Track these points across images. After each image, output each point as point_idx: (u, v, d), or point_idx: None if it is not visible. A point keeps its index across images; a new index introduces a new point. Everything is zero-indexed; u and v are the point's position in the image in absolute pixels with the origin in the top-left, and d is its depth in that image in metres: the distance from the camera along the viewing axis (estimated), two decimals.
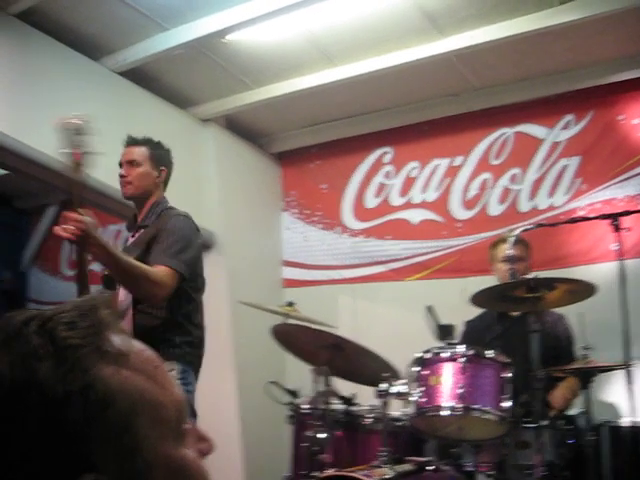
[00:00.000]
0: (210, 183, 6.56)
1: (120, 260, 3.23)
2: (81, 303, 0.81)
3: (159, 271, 3.39)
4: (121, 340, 0.80)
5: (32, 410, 0.72)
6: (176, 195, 6.16)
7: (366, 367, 3.89)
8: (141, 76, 5.97)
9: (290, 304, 4.43)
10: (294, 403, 4.18)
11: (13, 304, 7.68)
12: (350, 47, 5.55)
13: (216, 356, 6.25)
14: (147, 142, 3.87)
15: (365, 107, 6.52)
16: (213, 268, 6.42)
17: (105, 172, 5.50)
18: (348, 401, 4.03)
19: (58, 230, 3.06)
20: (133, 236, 3.82)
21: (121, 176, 3.79)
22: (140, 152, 3.81)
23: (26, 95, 5.19)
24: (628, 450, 3.68)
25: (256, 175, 7.10)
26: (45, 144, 4.68)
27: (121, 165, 3.82)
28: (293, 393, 4.26)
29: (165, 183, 3.91)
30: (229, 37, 5.37)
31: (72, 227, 3.02)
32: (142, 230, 3.74)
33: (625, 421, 3.78)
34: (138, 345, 0.83)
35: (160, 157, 3.87)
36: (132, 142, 3.86)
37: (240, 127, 6.89)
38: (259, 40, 5.44)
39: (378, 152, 6.80)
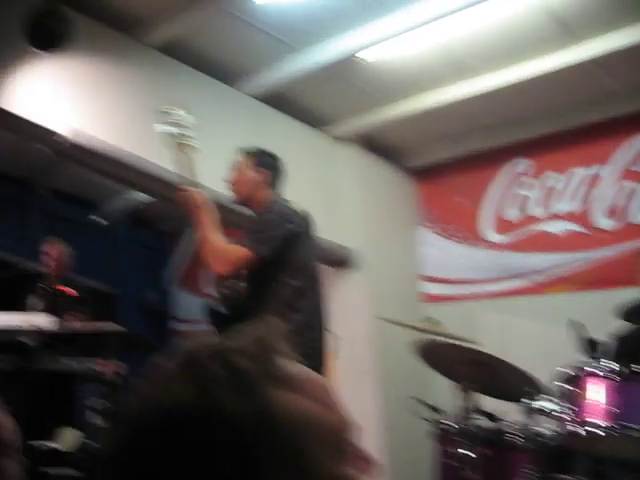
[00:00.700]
0: (347, 201, 6.64)
1: (207, 235, 3.60)
2: (254, 332, 0.85)
3: (232, 248, 3.65)
4: (290, 365, 0.84)
5: (217, 437, 0.76)
6: (313, 213, 6.31)
7: (510, 383, 3.81)
8: (276, 98, 6.13)
9: (430, 319, 4.41)
10: (437, 419, 4.16)
11: (158, 323, 8.01)
12: (484, 58, 5.51)
13: (358, 371, 6.33)
14: (250, 150, 4.03)
15: (501, 118, 6.43)
16: (353, 285, 6.51)
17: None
18: (492, 417, 3.97)
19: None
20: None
21: (226, 181, 3.96)
22: (241, 160, 3.98)
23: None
24: None
25: (392, 191, 7.12)
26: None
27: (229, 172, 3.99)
28: (436, 409, 4.24)
29: (270, 184, 3.98)
30: (361, 55, 5.44)
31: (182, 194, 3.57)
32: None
33: None
34: (305, 369, 0.87)
35: (260, 160, 3.99)
36: (238, 153, 4.03)
37: (375, 144, 6.94)
38: (391, 56, 5.49)
39: (515, 163, 6.69)
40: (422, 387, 5.79)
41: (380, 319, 4.82)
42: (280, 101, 6.18)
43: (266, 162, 4.00)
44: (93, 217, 3.89)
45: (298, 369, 0.85)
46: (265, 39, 5.38)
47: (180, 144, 3.61)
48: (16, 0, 4.67)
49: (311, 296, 3.89)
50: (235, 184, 3.92)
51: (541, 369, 3.62)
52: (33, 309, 5.61)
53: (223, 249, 3.65)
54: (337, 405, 0.87)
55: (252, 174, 3.91)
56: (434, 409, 4.22)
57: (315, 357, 3.73)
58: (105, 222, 3.88)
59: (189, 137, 3.61)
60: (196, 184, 3.70)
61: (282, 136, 6.23)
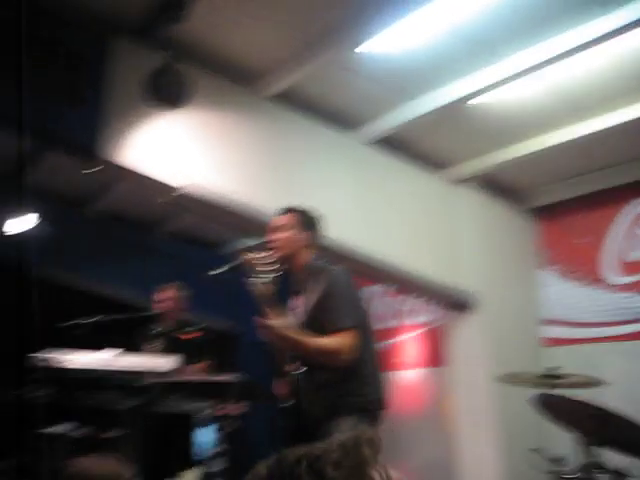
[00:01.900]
0: (467, 243, 6.60)
1: (299, 344, 3.62)
2: (346, 442, 0.87)
3: (335, 340, 3.58)
4: (381, 474, 0.86)
5: None
6: (432, 256, 6.31)
7: (633, 437, 3.68)
8: (392, 144, 6.19)
9: (551, 371, 4.30)
10: (558, 473, 4.03)
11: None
12: (601, 97, 5.41)
13: (478, 419, 6.22)
14: (294, 210, 4.01)
15: (621, 157, 6.26)
16: (472, 328, 6.43)
17: (365, 240, 5.79)
18: (616, 474, 3.81)
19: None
20: (296, 297, 3.94)
21: (269, 241, 3.95)
22: (287, 218, 3.96)
23: (281, 172, 5.58)
24: None
25: (512, 232, 7.02)
26: None
27: (271, 230, 3.98)
28: (557, 461, 4.11)
29: (313, 246, 3.99)
30: (475, 100, 5.42)
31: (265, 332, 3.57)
32: (302, 296, 3.85)
33: None
34: (397, 476, 0.88)
35: (306, 222, 3.98)
36: (281, 211, 4.01)
37: (494, 185, 6.89)
38: (506, 99, 5.45)
39: (635, 203, 6.47)
40: (543, 438, 5.62)
41: (499, 378, 4.69)
42: (396, 147, 6.23)
43: (311, 223, 4.01)
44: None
45: (380, 474, 0.86)
46: (376, 87, 5.45)
47: (266, 284, 3.68)
48: (137, 60, 4.89)
49: (373, 352, 3.90)
50: (281, 243, 3.92)
51: None
52: (152, 352, 5.78)
53: (328, 348, 3.61)
54: None
55: (298, 234, 3.93)
56: (555, 461, 4.10)
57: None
58: (226, 273, 3.97)
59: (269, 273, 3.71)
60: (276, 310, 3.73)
61: (400, 181, 6.28)
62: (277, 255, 3.91)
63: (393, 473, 0.88)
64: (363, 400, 3.67)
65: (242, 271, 3.92)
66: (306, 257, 3.91)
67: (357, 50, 4.97)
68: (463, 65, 5.12)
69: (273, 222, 4.01)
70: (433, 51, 4.98)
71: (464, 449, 6.32)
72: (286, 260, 3.91)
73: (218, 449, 5.06)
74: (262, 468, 0.88)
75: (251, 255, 3.69)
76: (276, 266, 3.74)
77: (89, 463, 1.99)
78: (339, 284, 3.78)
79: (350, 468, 0.84)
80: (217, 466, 5.00)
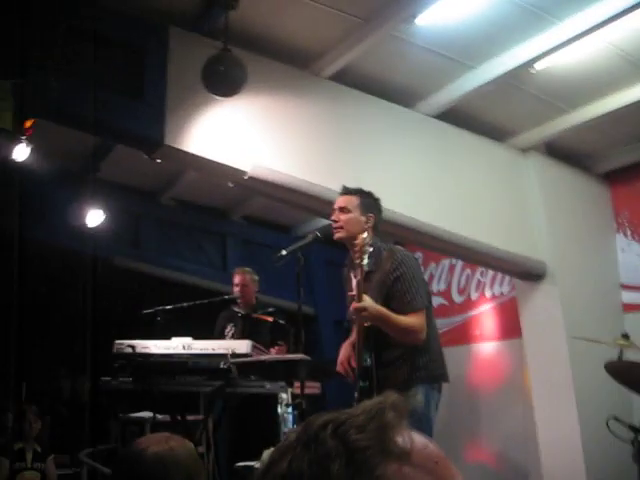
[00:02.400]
0: (536, 212, 6.47)
1: (390, 321, 3.78)
2: (370, 406, 0.89)
3: (414, 320, 3.82)
4: (405, 438, 0.87)
5: None
6: (502, 227, 6.24)
7: None
8: (455, 116, 6.12)
9: (626, 336, 4.23)
10: (638, 441, 3.97)
11: None
12: None
13: (555, 389, 6.15)
14: (357, 191, 4.08)
15: None
16: (546, 298, 6.34)
17: (433, 214, 5.78)
18: None
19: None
20: (355, 276, 3.94)
21: (333, 221, 4.03)
22: (350, 200, 4.03)
23: (345, 151, 5.60)
24: None
25: (583, 198, 6.86)
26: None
27: (334, 211, 4.05)
28: (638, 430, 4.05)
29: (374, 228, 4.02)
30: (536, 65, 5.31)
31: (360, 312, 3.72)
32: (366, 272, 3.87)
33: None
34: (421, 441, 0.89)
35: (368, 205, 4.05)
36: (344, 191, 4.10)
37: (561, 152, 6.73)
38: (568, 63, 5.33)
39: None
40: (622, 406, 5.53)
41: (578, 338, 4.65)
42: (459, 118, 6.15)
43: (373, 205, 4.06)
44: (281, 255, 4.07)
45: (413, 443, 0.87)
46: (435, 59, 5.40)
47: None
48: (195, 49, 4.98)
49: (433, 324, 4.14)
50: (345, 225, 3.98)
51: None
52: (230, 335, 5.89)
53: (411, 326, 3.83)
54: (451, 474, 0.88)
55: (360, 216, 3.98)
56: (636, 430, 4.04)
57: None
58: (282, 254, 4.04)
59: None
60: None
61: (465, 152, 6.21)
62: (339, 236, 3.99)
63: (418, 438, 0.90)
64: (430, 374, 3.91)
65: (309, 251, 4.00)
66: (367, 237, 3.94)
67: (414, 23, 4.93)
68: (520, 31, 5.03)
69: (336, 203, 4.08)
70: (489, 18, 4.90)
71: (542, 420, 6.25)
72: (348, 240, 3.97)
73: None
74: (291, 434, 0.89)
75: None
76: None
77: (159, 442, 2.05)
78: (410, 266, 3.96)
79: (373, 431, 0.85)
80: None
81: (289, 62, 5.44)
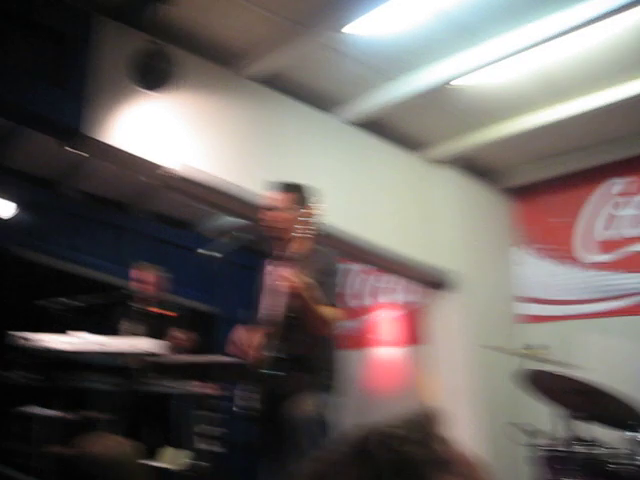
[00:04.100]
0: (444, 223, 6.71)
1: (314, 303, 3.76)
2: (413, 417, 0.93)
3: (331, 311, 3.84)
4: (444, 447, 0.91)
5: None
6: (411, 236, 6.40)
7: (614, 412, 3.81)
8: (374, 125, 6.26)
9: (532, 347, 4.42)
10: (537, 445, 4.14)
11: None
12: (579, 82, 5.53)
13: (458, 395, 6.34)
14: (288, 187, 4.08)
15: (596, 138, 6.40)
16: (451, 306, 6.55)
17: (344, 218, 5.85)
18: (594, 445, 3.94)
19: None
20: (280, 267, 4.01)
21: (263, 219, 4.05)
22: (281, 196, 4.04)
23: (265, 153, 5.65)
24: None
25: (489, 212, 7.14)
26: None
27: (266, 209, 4.06)
28: (536, 435, 4.23)
29: (304, 222, 4.06)
30: (455, 82, 5.50)
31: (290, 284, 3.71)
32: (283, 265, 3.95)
33: None
34: (457, 449, 0.94)
35: (301, 200, 4.05)
36: (278, 188, 4.08)
37: (472, 165, 6.99)
38: (486, 82, 5.55)
39: (611, 183, 6.62)
40: (521, 412, 5.75)
41: (484, 347, 4.81)
42: (377, 127, 6.30)
43: (306, 201, 4.07)
44: (202, 251, 4.01)
45: (454, 451, 0.91)
46: (360, 68, 5.50)
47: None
48: (124, 42, 4.89)
49: None
50: (275, 221, 4.00)
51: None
52: (131, 332, 5.78)
53: (330, 316, 3.85)
54: (484, 477, 0.93)
55: (293, 212, 3.99)
56: (534, 435, 4.21)
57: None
58: (217, 255, 4.00)
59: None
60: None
61: (380, 161, 6.36)
62: (273, 233, 4.00)
63: (454, 446, 0.94)
64: (329, 377, 3.90)
65: (227, 250, 3.99)
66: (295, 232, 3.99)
67: (342, 31, 5.02)
68: (446, 48, 5.20)
69: (270, 200, 4.07)
70: (417, 34, 5.05)
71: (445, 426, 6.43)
72: (280, 237, 4.00)
73: (205, 429, 5.10)
74: (341, 447, 0.91)
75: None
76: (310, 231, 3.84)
77: (98, 443, 2.02)
78: (334, 265, 4.04)
79: (418, 443, 0.89)
80: (205, 446, 5.04)
81: (218, 61, 5.43)
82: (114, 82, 4.92)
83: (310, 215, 3.93)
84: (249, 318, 4.07)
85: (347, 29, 4.98)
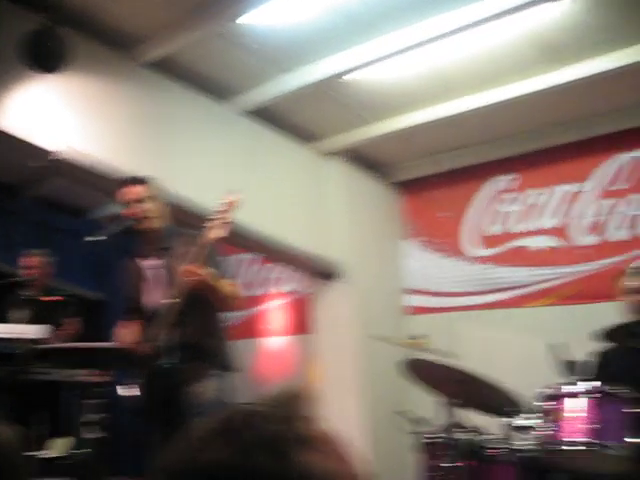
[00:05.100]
0: (334, 214, 6.80)
1: (220, 283, 3.86)
2: (278, 396, 0.96)
3: (232, 285, 3.96)
4: (308, 426, 0.95)
5: None
6: (301, 227, 6.46)
7: (492, 399, 3.97)
8: (266, 115, 6.27)
9: (416, 336, 4.54)
10: (421, 432, 4.27)
11: None
12: (470, 80, 5.69)
13: (343, 383, 6.44)
14: (146, 180, 4.11)
15: (485, 136, 6.60)
16: (339, 297, 6.64)
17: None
18: (475, 431, 4.10)
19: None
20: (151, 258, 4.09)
21: (127, 213, 4.06)
22: (146, 190, 4.08)
23: (156, 140, 5.61)
24: None
25: (378, 205, 7.28)
26: (178, 185, 5.12)
27: (126, 203, 4.07)
28: (420, 422, 4.35)
29: (166, 213, 4.15)
30: (350, 75, 5.58)
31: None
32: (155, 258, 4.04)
33: None
34: (320, 427, 0.97)
35: (160, 192, 4.15)
36: (136, 181, 4.10)
37: (363, 159, 7.10)
38: (379, 76, 5.65)
39: (498, 179, 6.86)
40: (406, 400, 5.91)
41: (370, 337, 4.92)
42: (271, 118, 6.32)
43: (161, 192, 4.14)
44: (90, 238, 3.97)
45: (316, 429, 0.95)
46: (255, 59, 5.51)
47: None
48: (14, 21, 4.75)
49: None
50: (147, 214, 4.02)
51: (524, 381, 3.80)
52: (18, 319, 5.65)
53: (234, 291, 3.97)
54: (348, 457, 0.97)
55: (158, 204, 4.07)
56: (418, 422, 4.33)
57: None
58: (103, 239, 3.97)
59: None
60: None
61: (272, 151, 6.38)
62: (143, 225, 4.00)
63: (318, 425, 0.97)
64: (224, 361, 4.00)
65: (114, 237, 3.97)
66: (162, 223, 4.07)
67: (237, 21, 5.02)
68: (340, 41, 5.26)
69: (132, 193, 4.06)
70: (312, 26, 5.09)
71: (330, 414, 6.53)
72: (147, 229, 4.01)
73: (90, 417, 5.04)
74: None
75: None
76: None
77: None
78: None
79: (287, 421, 0.90)
80: (89, 434, 4.99)
81: (112, 45, 5.33)
82: (2, 63, 4.77)
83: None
84: (132, 308, 4.06)
85: (243, 19, 4.98)
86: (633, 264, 4.46)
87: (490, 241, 6.82)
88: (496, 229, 6.80)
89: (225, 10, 4.91)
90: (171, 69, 5.66)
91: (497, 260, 6.74)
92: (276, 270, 7.83)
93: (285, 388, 0.99)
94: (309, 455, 0.89)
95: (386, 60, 5.35)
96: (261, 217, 6.09)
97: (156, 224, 4.03)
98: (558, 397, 3.59)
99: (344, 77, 5.63)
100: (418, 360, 4.18)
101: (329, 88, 5.83)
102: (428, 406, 4.25)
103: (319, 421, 0.96)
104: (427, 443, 4.16)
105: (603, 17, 4.91)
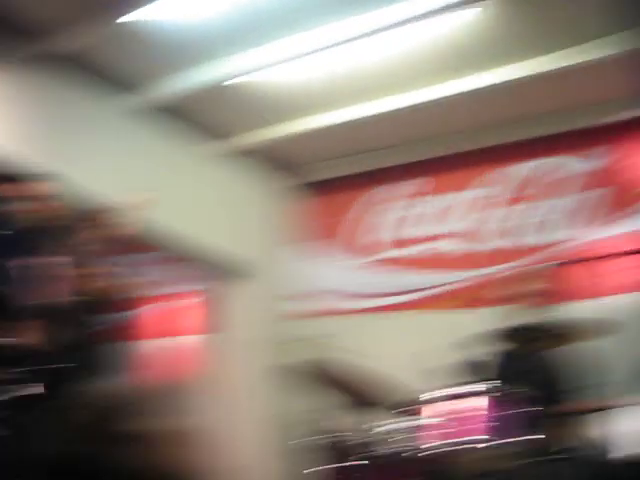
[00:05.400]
0: (237, 212, 6.83)
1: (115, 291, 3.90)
2: (105, 388, 0.95)
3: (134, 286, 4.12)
4: (135, 420, 0.93)
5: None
6: (206, 225, 6.39)
7: (375, 399, 4.01)
8: (172, 112, 6.19)
9: (317, 338, 4.55)
10: (302, 434, 4.25)
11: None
12: (378, 83, 5.79)
13: (235, 386, 6.43)
14: (45, 177, 4.15)
15: (392, 139, 6.68)
16: (241, 296, 6.60)
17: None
18: (353, 430, 4.09)
19: None
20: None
21: (26, 210, 4.05)
22: (42, 187, 4.11)
23: (53, 136, 5.49)
24: None
25: (281, 205, 7.32)
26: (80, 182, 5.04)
27: (26, 200, 4.05)
28: (301, 425, 4.33)
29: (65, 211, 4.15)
30: (255, 76, 5.61)
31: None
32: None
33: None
34: (155, 423, 0.96)
35: (61, 190, 4.17)
36: (32, 179, 4.14)
37: (270, 159, 7.11)
38: (288, 77, 5.69)
39: (394, 183, 6.98)
40: (293, 402, 5.88)
41: (270, 337, 4.89)
42: (176, 115, 6.24)
43: (62, 189, 4.10)
44: None
45: (140, 424, 0.93)
46: (162, 54, 5.45)
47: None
48: None
49: None
50: (43, 210, 3.99)
51: (416, 383, 3.82)
52: None
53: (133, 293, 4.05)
54: (201, 454, 0.96)
55: (56, 200, 4.07)
56: (299, 425, 4.32)
57: None
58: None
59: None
60: None
61: (177, 149, 6.31)
62: (36, 222, 3.91)
63: (165, 424, 0.96)
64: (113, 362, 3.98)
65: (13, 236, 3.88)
66: (60, 221, 4.03)
67: (140, 16, 4.96)
68: (248, 39, 5.24)
69: (28, 190, 3.97)
70: (218, 23, 5.06)
71: (225, 415, 6.49)
72: (42, 223, 3.92)
73: None
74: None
75: None
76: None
77: None
78: None
79: (110, 418, 0.91)
80: None
81: (8, 37, 5.16)
82: None
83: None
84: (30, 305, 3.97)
85: (146, 14, 4.91)
86: (531, 268, 4.54)
87: (392, 245, 6.89)
88: (398, 232, 6.88)
89: (128, 4, 4.85)
90: (73, 62, 5.51)
91: (397, 263, 6.81)
92: (181, 269, 7.71)
93: (144, 386, 0.98)
94: (125, 450, 0.91)
95: (292, 61, 5.38)
96: (166, 215, 5.98)
97: (55, 221, 3.93)
98: (455, 397, 3.63)
99: (253, 76, 5.60)
100: (311, 362, 4.18)
101: (238, 87, 5.81)
102: (313, 407, 4.24)
103: (162, 418, 0.95)
104: (312, 444, 4.13)
105: (512, 27, 5.05)
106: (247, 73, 5.55)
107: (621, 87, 4.43)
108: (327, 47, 5.16)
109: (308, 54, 5.25)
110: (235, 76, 5.59)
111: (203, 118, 6.41)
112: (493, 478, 3.65)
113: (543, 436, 3.57)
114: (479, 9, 4.83)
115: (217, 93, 5.89)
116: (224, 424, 6.40)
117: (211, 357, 7.01)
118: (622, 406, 3.94)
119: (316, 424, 4.14)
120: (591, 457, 3.89)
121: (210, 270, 6.93)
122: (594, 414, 3.97)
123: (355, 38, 5.05)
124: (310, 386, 4.26)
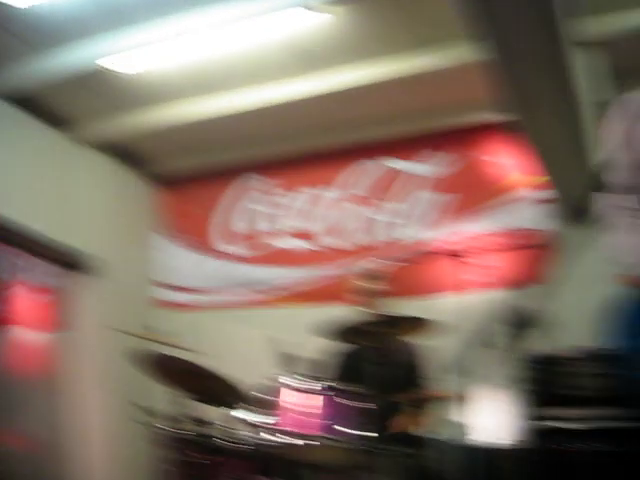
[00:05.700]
0: (85, 204, 6.66)
1: None
2: None
3: None
4: None
5: None
6: (50, 214, 6.25)
7: (218, 391, 4.08)
8: (17, 98, 5.99)
9: (150, 328, 4.56)
10: (153, 424, 4.27)
11: None
12: (227, 78, 5.82)
13: (91, 379, 6.33)
14: None
15: (239, 136, 6.71)
16: (89, 290, 6.49)
17: None
18: (202, 423, 4.15)
19: None
20: None
21: None
22: None
23: None
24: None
25: (132, 197, 7.25)
26: None
27: None
28: (152, 414, 4.35)
29: None
30: (108, 64, 5.49)
31: None
32: None
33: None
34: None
35: None
36: None
37: (118, 151, 7.02)
38: (140, 69, 5.62)
39: (247, 178, 7.09)
40: (145, 394, 5.88)
41: (117, 331, 4.85)
42: (21, 101, 6.05)
43: None
44: None
45: None
46: (9, 38, 5.28)
47: None
48: None
49: None
50: None
51: (258, 379, 3.90)
52: None
53: None
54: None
55: None
56: (150, 414, 4.33)
57: None
58: None
59: None
60: None
61: (21, 135, 6.11)
62: None
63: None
64: None
65: None
66: None
67: None
68: (99, 26, 5.15)
69: None
70: (69, 8, 4.94)
71: (78, 408, 6.39)
72: None
73: None
74: None
75: None
76: None
77: None
78: None
79: None
80: None
81: None
82: None
83: None
84: None
85: None
86: (366, 267, 4.71)
87: (237, 239, 7.00)
88: (243, 227, 7.00)
89: None
90: None
91: (244, 258, 6.92)
92: (21, 259, 7.48)
93: None
94: None
95: (145, 51, 5.33)
96: (12, 207, 5.83)
97: None
98: (292, 392, 3.70)
99: (103, 65, 5.49)
100: (157, 355, 4.20)
101: (87, 76, 5.66)
102: (164, 399, 4.26)
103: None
104: (163, 435, 4.16)
105: (368, 26, 5.15)
106: (91, 61, 5.42)
107: (478, 91, 4.71)
108: (169, 38, 5.14)
109: (153, 43, 5.21)
110: (87, 64, 5.46)
111: (51, 108, 6.27)
112: (329, 471, 3.78)
113: (377, 430, 3.63)
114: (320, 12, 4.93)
115: (68, 82, 5.74)
116: (74, 423, 6.35)
117: (58, 354, 6.86)
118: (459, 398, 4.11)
119: (165, 415, 4.15)
120: (433, 449, 4.08)
121: (50, 261, 6.76)
122: (434, 405, 4.18)
123: (213, 28, 5.06)
124: (154, 378, 4.27)
